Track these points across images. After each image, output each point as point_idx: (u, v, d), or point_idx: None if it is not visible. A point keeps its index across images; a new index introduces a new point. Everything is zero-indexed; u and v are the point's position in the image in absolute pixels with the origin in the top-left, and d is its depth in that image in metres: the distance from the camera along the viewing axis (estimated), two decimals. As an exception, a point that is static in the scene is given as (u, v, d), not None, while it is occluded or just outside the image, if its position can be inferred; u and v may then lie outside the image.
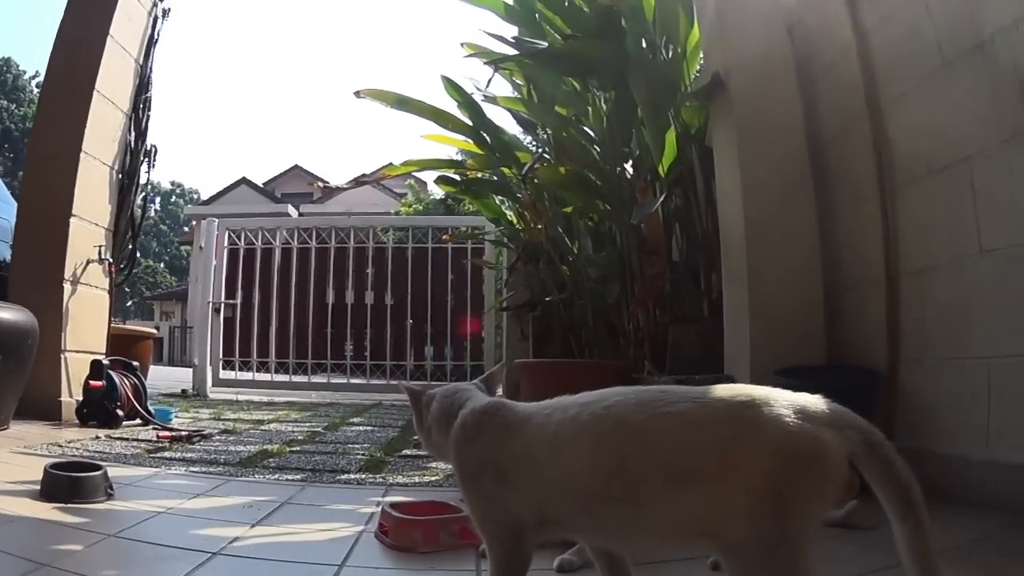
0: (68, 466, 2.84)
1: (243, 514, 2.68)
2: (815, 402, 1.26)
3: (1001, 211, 2.77)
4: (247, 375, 8.87)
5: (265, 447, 4.30)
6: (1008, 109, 2.69)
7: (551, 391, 3.66)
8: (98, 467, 2.84)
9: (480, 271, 8.59)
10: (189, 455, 3.93)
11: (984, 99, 2.83)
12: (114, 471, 3.05)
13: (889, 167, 3.39)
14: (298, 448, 4.37)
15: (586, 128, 4.96)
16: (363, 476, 3.57)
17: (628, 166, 4.85)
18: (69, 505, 2.60)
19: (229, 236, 8.96)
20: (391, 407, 7.76)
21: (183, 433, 4.59)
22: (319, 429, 5.46)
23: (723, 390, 1.27)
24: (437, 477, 3.63)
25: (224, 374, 8.69)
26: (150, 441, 4.38)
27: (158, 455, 3.88)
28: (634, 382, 3.92)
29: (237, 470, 3.56)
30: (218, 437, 4.70)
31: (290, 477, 3.45)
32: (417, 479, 3.56)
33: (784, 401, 1.23)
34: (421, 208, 17.21)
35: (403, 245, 9.10)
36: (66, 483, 2.72)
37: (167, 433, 4.59)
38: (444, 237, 8.41)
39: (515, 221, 6.70)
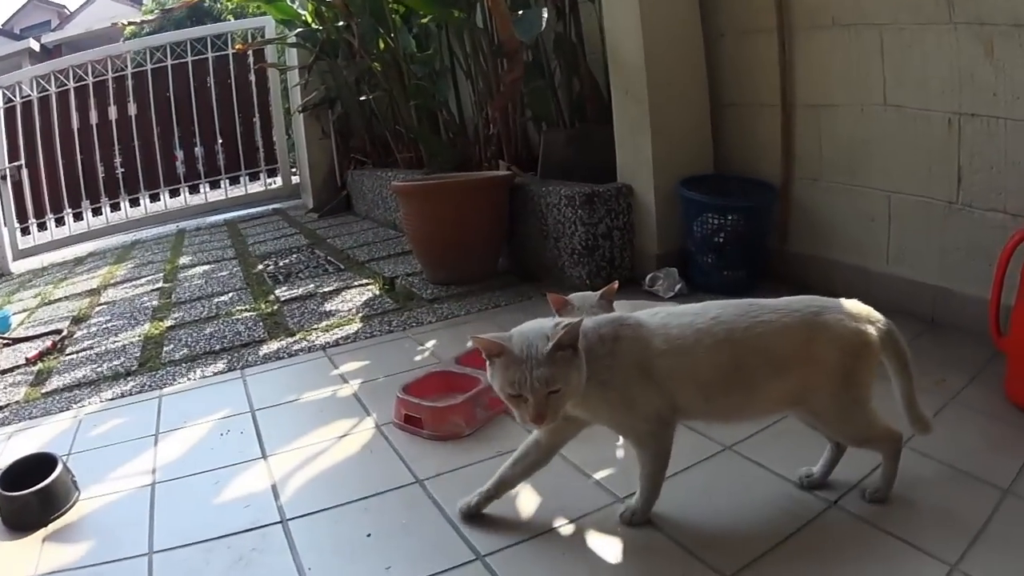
0: (10, 474, 2.15)
1: (235, 445, 2.47)
2: (858, 305, 1.72)
3: (910, 78, 3.02)
4: (46, 236, 7.66)
5: (139, 331, 3.95)
6: (928, 1, 2.89)
7: (445, 209, 3.88)
8: (48, 458, 2.20)
9: (264, 77, 8.02)
10: (76, 373, 3.38)
11: None
12: (25, 436, 2.72)
13: (787, 8, 3.49)
14: (173, 322, 4.03)
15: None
16: (283, 343, 3.43)
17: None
18: (52, 528, 2.06)
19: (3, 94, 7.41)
20: (197, 231, 7.30)
21: (47, 344, 3.85)
22: (161, 284, 5.07)
23: (796, 302, 1.70)
24: (353, 324, 3.57)
25: (24, 242, 7.41)
26: (14, 370, 3.60)
27: (46, 388, 3.24)
28: (517, 188, 4.04)
29: (149, 378, 3.16)
30: (77, 332, 4.15)
31: (213, 369, 3.19)
32: (340, 332, 3.48)
33: (840, 307, 1.69)
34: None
35: (182, 60, 8.05)
36: (34, 503, 2.07)
37: (35, 352, 3.74)
38: (238, 46, 7.65)
39: (311, 21, 6.32)
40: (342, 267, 4.82)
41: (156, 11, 15.89)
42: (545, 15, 3.84)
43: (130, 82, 8.07)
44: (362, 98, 6.13)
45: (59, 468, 2.15)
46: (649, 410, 1.66)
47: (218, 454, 2.42)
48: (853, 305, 1.72)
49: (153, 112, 8.10)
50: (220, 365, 3.23)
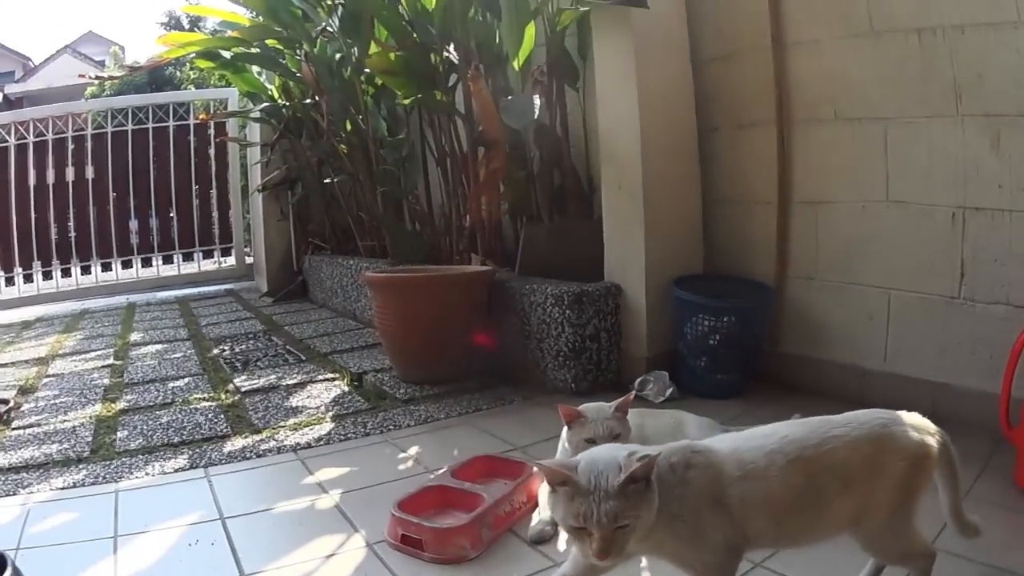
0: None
1: (207, 558, 2.15)
2: (918, 417, 1.68)
3: (914, 172, 2.99)
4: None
5: (89, 411, 3.56)
6: (936, 94, 2.87)
7: (421, 304, 3.65)
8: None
9: (224, 151, 7.74)
10: (23, 452, 3.03)
11: (914, 77, 2.94)
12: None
13: (787, 101, 3.40)
14: (125, 404, 3.65)
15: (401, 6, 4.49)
16: (249, 440, 3.09)
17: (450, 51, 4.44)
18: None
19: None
20: (147, 306, 6.93)
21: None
22: (112, 360, 4.66)
23: (863, 415, 1.65)
24: (323, 423, 3.28)
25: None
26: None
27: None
28: (496, 285, 3.82)
29: (103, 468, 2.82)
30: (24, 404, 3.78)
31: (174, 464, 2.85)
32: (310, 432, 3.17)
33: (903, 419, 1.65)
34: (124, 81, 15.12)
35: (143, 126, 7.75)
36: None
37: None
38: (201, 116, 7.40)
39: (278, 96, 6.13)
40: (303, 358, 4.52)
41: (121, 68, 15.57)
42: (537, 102, 3.68)
43: (89, 143, 7.78)
44: (326, 180, 5.90)
45: (8, 572, 1.76)
46: (719, 541, 1.53)
47: (188, 568, 2.11)
48: (914, 417, 1.69)
49: (110, 177, 7.79)
50: (181, 460, 2.89)
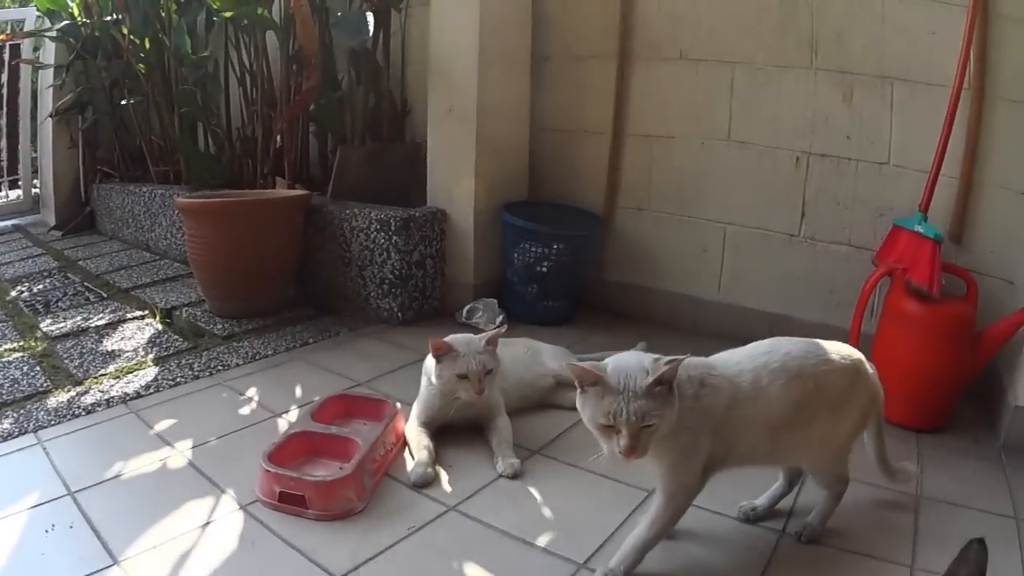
0: None
1: (70, 545, 1.75)
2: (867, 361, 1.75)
3: (761, 116, 3.00)
4: None
5: None
6: (791, 46, 2.89)
7: (235, 231, 3.32)
8: None
9: (16, 75, 6.78)
10: None
11: (772, 28, 2.94)
12: None
13: (631, 37, 3.28)
14: None
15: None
16: (72, 393, 2.63)
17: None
18: None
19: None
20: None
21: None
22: None
23: (838, 347, 1.71)
24: (146, 368, 2.88)
25: None
26: None
27: None
28: (312, 210, 3.52)
29: None
30: None
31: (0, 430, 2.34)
32: (136, 379, 2.75)
33: (866, 360, 1.74)
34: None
35: None
36: None
37: None
38: (1, 36, 6.45)
39: (78, 14, 5.45)
40: (104, 295, 4.02)
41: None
42: (371, 19, 3.36)
43: None
44: (120, 103, 5.31)
45: None
46: (702, 461, 1.60)
47: (52, 561, 1.70)
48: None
49: None
50: (6, 425, 2.39)
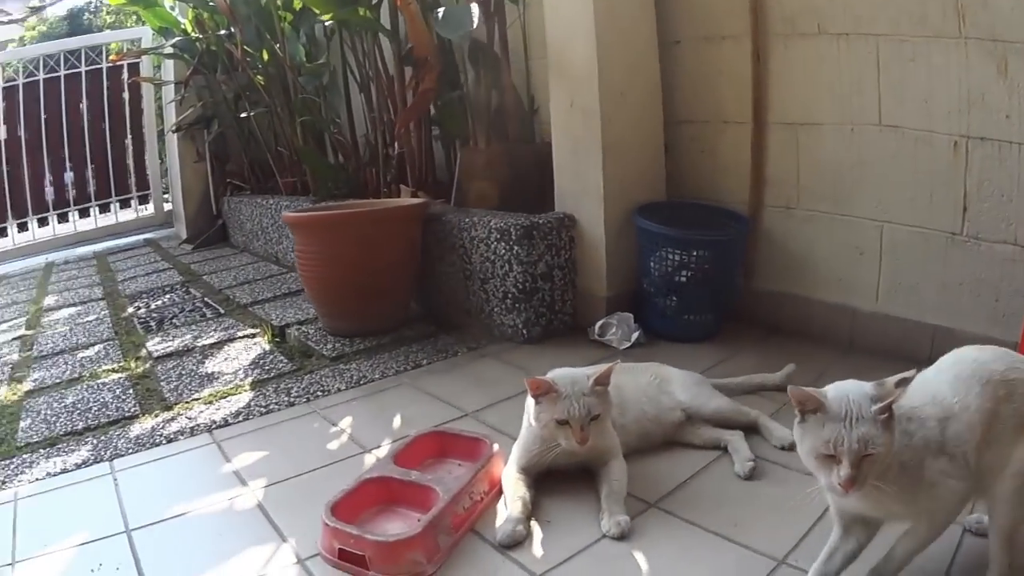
0: None
1: None
2: None
3: (911, 96, 2.50)
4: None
5: None
6: (935, 12, 2.39)
7: (345, 245, 3.03)
8: None
9: (138, 93, 6.75)
10: None
11: None
12: None
13: (763, 12, 2.80)
14: (32, 385, 2.93)
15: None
16: (158, 420, 2.46)
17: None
18: None
19: None
20: (65, 264, 5.99)
21: None
22: (23, 331, 3.86)
23: None
24: (242, 392, 2.65)
25: None
26: None
27: None
28: (431, 219, 3.17)
29: (2, 470, 2.19)
30: None
31: (76, 458, 2.21)
32: (228, 405, 2.54)
33: None
34: (44, 28, 13.76)
35: (55, 75, 6.63)
36: None
37: None
38: (112, 57, 6.42)
39: (191, 30, 5.31)
40: (222, 311, 3.84)
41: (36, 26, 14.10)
42: (476, 12, 3.00)
43: (0, 101, 6.69)
44: (242, 115, 5.13)
45: None
46: (949, 488, 1.37)
47: None
48: None
49: (22, 132, 6.75)
50: (84, 453, 2.25)
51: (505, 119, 3.49)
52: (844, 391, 1.34)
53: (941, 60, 2.40)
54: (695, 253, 2.77)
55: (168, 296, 4.34)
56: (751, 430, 2.08)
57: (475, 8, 3.07)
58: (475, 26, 3.05)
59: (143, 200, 7.19)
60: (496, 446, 1.94)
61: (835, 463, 1.29)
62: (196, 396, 2.66)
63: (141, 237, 6.67)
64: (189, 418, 2.47)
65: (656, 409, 2.07)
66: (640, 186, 3.00)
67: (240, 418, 2.44)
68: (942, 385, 1.41)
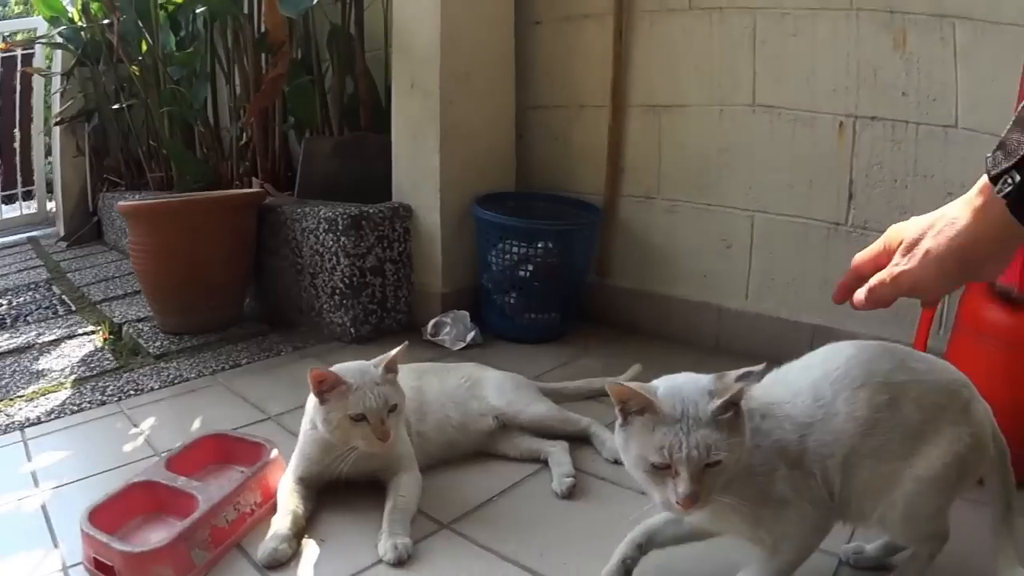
0: None
1: None
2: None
3: (792, 73, 2.28)
4: None
5: None
6: None
7: (175, 236, 2.74)
8: None
9: (29, 86, 6.31)
10: None
11: None
12: None
13: None
14: None
15: None
16: None
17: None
18: None
19: None
20: None
21: None
22: None
23: (932, 359, 1.17)
24: (63, 390, 2.37)
25: None
26: None
27: None
28: (268, 211, 2.87)
29: None
30: None
31: None
32: (46, 402, 2.26)
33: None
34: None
35: None
36: None
37: None
38: (1, 45, 6.04)
39: (77, 18, 4.97)
40: (73, 308, 3.54)
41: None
42: None
43: None
44: (115, 107, 4.79)
45: None
46: (802, 509, 1.13)
47: None
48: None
49: None
50: None
51: (359, 107, 3.20)
52: (677, 386, 1.09)
53: (828, 34, 2.19)
54: (539, 245, 2.50)
55: (31, 294, 3.99)
56: (583, 440, 1.80)
57: (320, -16, 2.81)
58: (314, 2, 2.77)
59: (27, 196, 6.76)
60: (275, 452, 1.64)
61: (670, 475, 1.05)
62: (21, 393, 2.39)
63: (25, 235, 6.27)
64: (8, 415, 2.20)
65: (463, 415, 1.77)
66: (486, 175, 2.73)
67: (52, 416, 2.18)
68: (804, 384, 1.16)
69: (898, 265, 0.99)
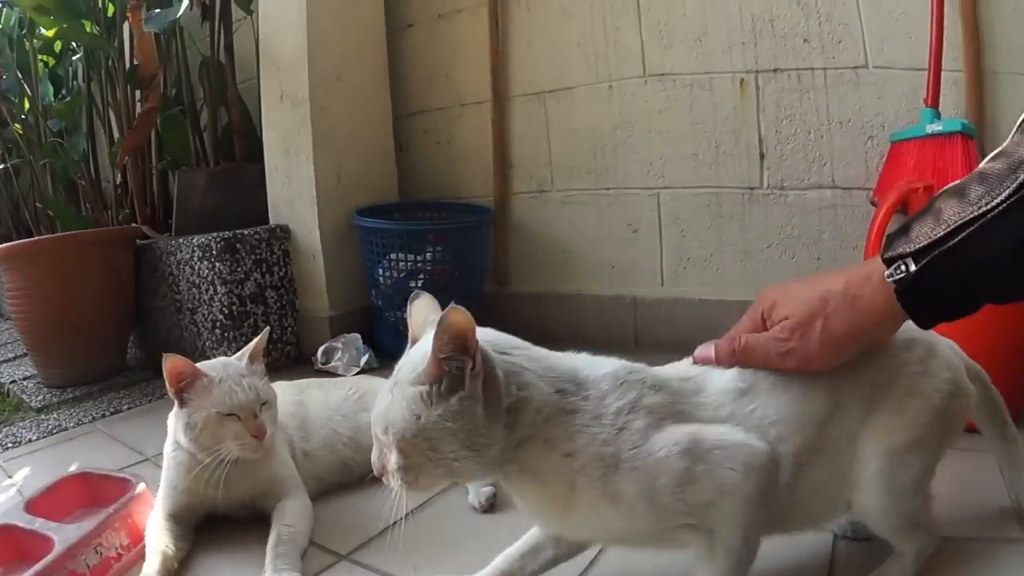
0: None
1: None
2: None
3: (681, 35, 2.11)
4: None
5: None
6: None
7: (48, 277, 2.55)
8: None
9: None
10: None
11: None
12: None
13: None
14: None
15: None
16: None
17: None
18: None
19: None
20: None
21: None
22: None
23: None
24: None
25: None
26: None
27: None
28: (143, 250, 2.63)
29: None
30: None
31: None
32: None
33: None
34: None
35: None
36: None
37: None
38: None
39: (-42, 79, 4.62)
40: None
41: None
42: (185, 4, 2.51)
43: None
44: (-1, 166, 4.46)
45: None
46: None
47: None
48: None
49: None
50: None
51: (233, 137, 2.95)
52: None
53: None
54: (428, 252, 2.27)
55: None
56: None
57: (185, 2, 2.57)
58: (178, 16, 2.57)
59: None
60: (142, 486, 1.35)
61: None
62: None
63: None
64: None
65: (354, 430, 1.48)
66: (366, 186, 2.49)
67: None
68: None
69: (788, 341, 0.87)
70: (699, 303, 2.16)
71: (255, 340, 1.32)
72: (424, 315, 0.93)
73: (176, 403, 1.23)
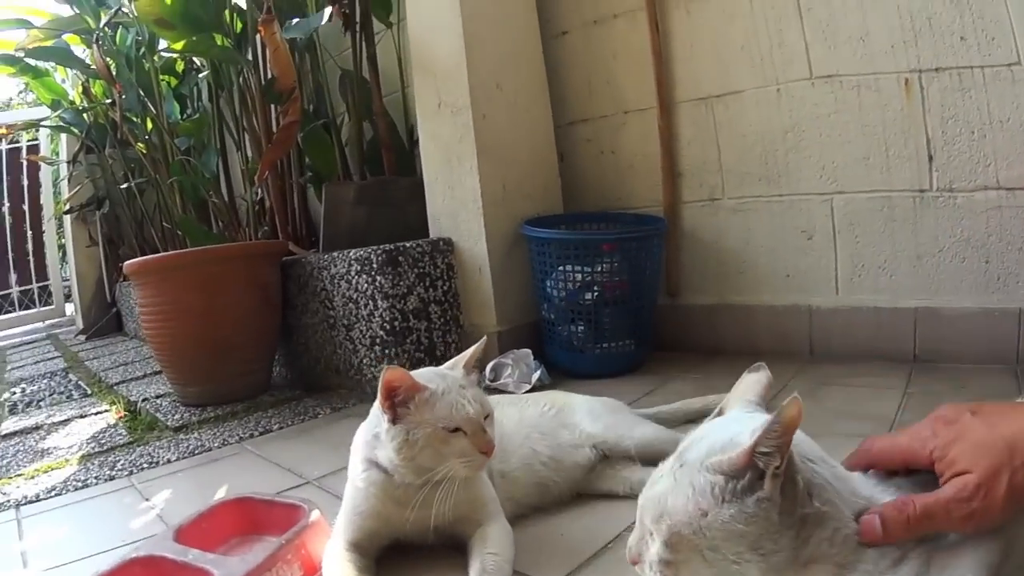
0: None
1: None
2: None
3: (843, 35, 1.95)
4: None
5: None
6: None
7: (188, 293, 2.36)
8: None
9: (36, 175, 5.91)
10: None
11: None
12: None
13: None
14: None
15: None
16: None
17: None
18: None
19: None
20: None
21: None
22: None
23: None
24: (68, 466, 1.98)
25: None
26: None
27: None
28: (292, 265, 2.47)
29: None
30: None
31: None
32: (48, 479, 1.89)
33: None
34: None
35: None
36: None
37: None
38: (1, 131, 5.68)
39: (79, 100, 4.56)
40: (88, 392, 3.14)
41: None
42: (327, 12, 2.39)
43: None
44: (123, 186, 4.37)
45: None
46: None
47: None
48: None
49: None
50: None
51: (380, 151, 2.78)
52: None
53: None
54: (601, 264, 2.07)
55: (46, 381, 3.62)
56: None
57: (327, 10, 2.43)
58: (323, 23, 2.44)
59: (43, 290, 6.33)
60: (316, 513, 1.17)
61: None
62: (20, 472, 2.01)
63: (42, 330, 5.83)
64: (3, 494, 1.84)
65: (553, 448, 1.29)
66: (530, 199, 2.31)
67: (53, 493, 1.80)
68: None
69: (970, 502, 0.72)
70: (874, 311, 1.96)
71: (471, 349, 1.15)
72: (746, 390, 0.83)
73: (386, 419, 1.05)
